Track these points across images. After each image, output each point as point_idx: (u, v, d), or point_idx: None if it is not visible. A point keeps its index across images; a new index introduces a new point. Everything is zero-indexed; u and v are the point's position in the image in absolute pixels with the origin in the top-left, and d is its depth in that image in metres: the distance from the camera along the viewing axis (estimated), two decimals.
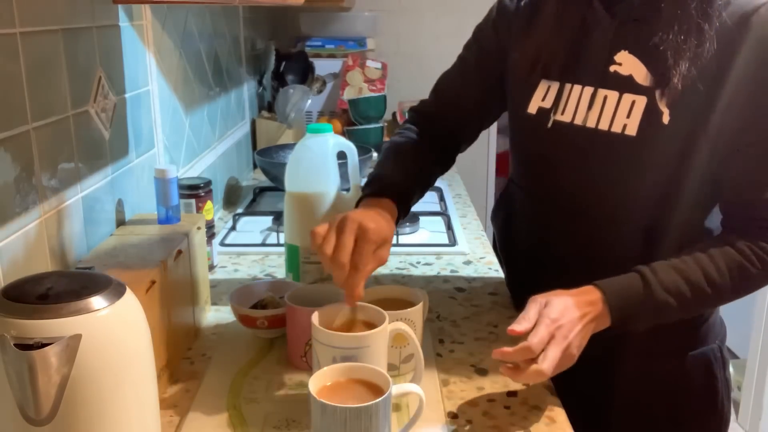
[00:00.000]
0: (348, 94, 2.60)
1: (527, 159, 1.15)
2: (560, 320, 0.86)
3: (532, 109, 1.07)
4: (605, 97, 0.99)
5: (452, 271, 1.40)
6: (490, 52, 1.16)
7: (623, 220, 1.01)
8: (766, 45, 0.89)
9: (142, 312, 0.72)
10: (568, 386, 0.98)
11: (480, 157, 3.09)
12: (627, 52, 0.98)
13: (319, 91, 2.57)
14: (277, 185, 1.81)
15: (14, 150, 0.85)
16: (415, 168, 1.13)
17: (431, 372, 1.00)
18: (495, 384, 0.98)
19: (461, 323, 1.17)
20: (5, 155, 0.83)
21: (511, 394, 0.96)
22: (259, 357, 1.04)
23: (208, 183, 1.32)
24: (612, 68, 0.99)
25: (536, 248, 1.15)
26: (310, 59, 2.57)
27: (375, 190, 1.04)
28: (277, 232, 1.56)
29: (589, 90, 1.01)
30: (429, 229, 1.64)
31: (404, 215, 1.06)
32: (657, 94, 0.94)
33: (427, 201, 1.75)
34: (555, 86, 1.05)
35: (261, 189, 1.92)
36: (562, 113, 1.03)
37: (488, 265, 1.43)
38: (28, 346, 0.62)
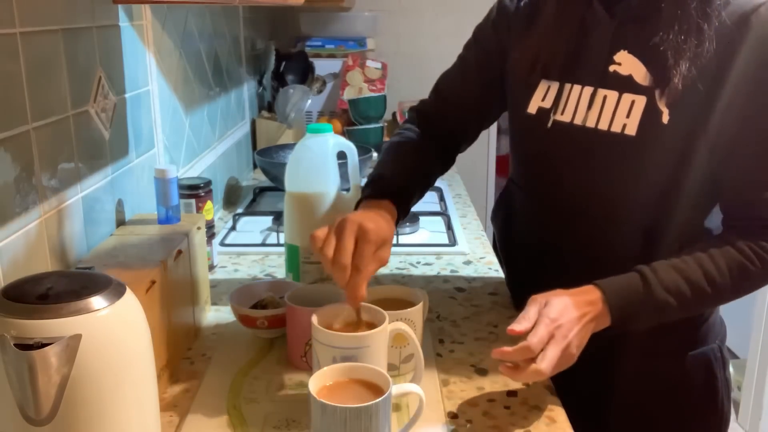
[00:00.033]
0: (348, 94, 2.61)
1: (527, 159, 1.15)
2: (559, 320, 0.86)
3: (532, 109, 1.07)
4: (605, 97, 0.99)
5: (452, 271, 1.40)
6: (490, 52, 1.16)
7: (623, 220, 1.01)
8: (765, 44, 0.89)
9: (142, 312, 0.72)
10: (568, 386, 0.98)
11: (480, 157, 3.10)
12: (626, 51, 0.98)
13: (319, 91, 2.57)
14: (277, 185, 1.81)
15: (14, 150, 0.85)
16: (415, 168, 1.13)
17: (431, 372, 1.00)
18: (495, 384, 0.98)
19: (461, 323, 1.17)
20: (5, 155, 0.83)
21: (511, 394, 0.96)
22: (259, 357, 1.04)
23: (208, 183, 1.32)
24: (611, 68, 0.99)
25: (536, 248, 1.15)
26: (310, 59, 2.57)
27: (374, 191, 1.04)
28: (277, 232, 1.56)
29: (588, 90, 1.01)
30: (429, 229, 1.64)
31: (404, 216, 1.06)
32: (656, 93, 0.94)
33: (427, 201, 1.75)
34: (555, 86, 1.05)
35: (261, 189, 1.92)
36: (562, 113, 1.04)
37: (488, 265, 1.43)
38: (28, 346, 0.62)
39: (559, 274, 0.98)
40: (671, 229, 0.99)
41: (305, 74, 2.51)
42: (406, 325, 0.90)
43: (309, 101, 2.34)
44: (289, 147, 1.93)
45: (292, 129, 2.26)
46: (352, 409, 0.74)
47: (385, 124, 2.44)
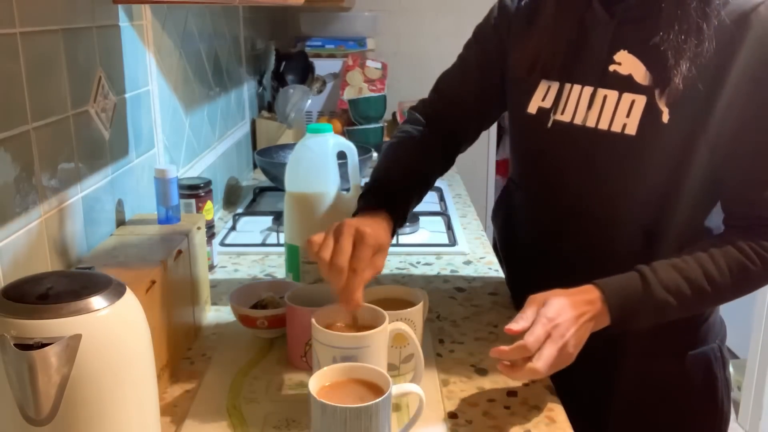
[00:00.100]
0: (348, 94, 2.61)
1: (527, 159, 1.15)
2: (557, 319, 0.86)
3: (532, 109, 1.07)
4: (605, 97, 0.99)
5: (452, 271, 1.40)
6: (490, 52, 1.16)
7: (623, 220, 1.01)
8: (765, 43, 0.89)
9: (142, 312, 0.72)
10: (568, 386, 0.98)
11: (480, 157, 3.10)
12: (626, 51, 0.98)
13: (319, 91, 2.57)
14: (277, 185, 1.81)
15: (14, 150, 0.85)
16: (414, 171, 1.12)
17: (431, 372, 1.00)
18: (495, 384, 0.98)
19: (461, 323, 1.17)
20: (5, 155, 0.83)
21: (511, 394, 0.96)
22: (259, 357, 1.04)
23: (208, 183, 1.32)
24: (611, 68, 0.99)
25: (536, 248, 1.15)
26: (310, 59, 2.57)
27: (370, 202, 1.02)
28: (277, 232, 1.56)
29: (588, 90, 1.01)
30: (429, 229, 1.64)
31: (401, 225, 1.06)
32: (657, 93, 0.94)
33: (427, 201, 1.74)
34: (555, 86, 1.05)
35: (261, 189, 1.92)
36: (562, 113, 1.04)
37: (488, 265, 1.43)
38: (28, 346, 0.62)
39: (559, 273, 0.97)
40: (671, 228, 0.99)
41: (305, 74, 2.51)
42: (406, 325, 0.90)
43: (309, 101, 2.34)
44: (289, 147, 1.93)
45: (292, 129, 2.26)
46: (352, 409, 0.74)
47: (385, 124, 2.44)
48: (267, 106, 2.48)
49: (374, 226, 0.92)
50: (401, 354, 0.98)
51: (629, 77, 0.97)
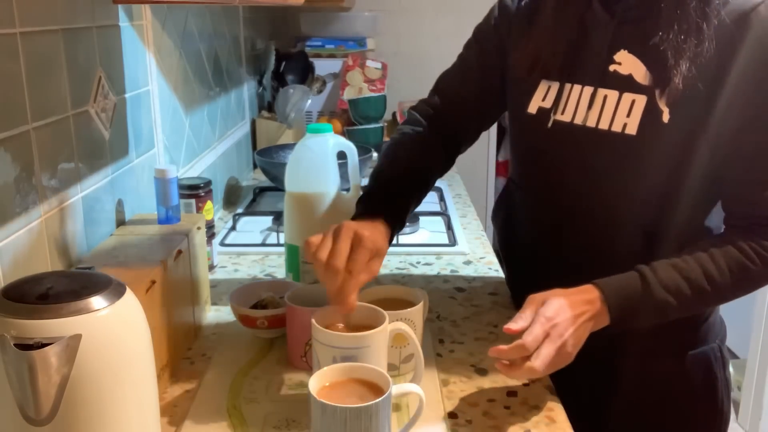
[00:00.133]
0: (348, 94, 2.61)
1: (527, 159, 1.15)
2: (555, 319, 0.86)
3: (532, 109, 1.07)
4: (605, 97, 0.99)
5: (452, 271, 1.40)
6: (490, 52, 1.16)
7: (623, 220, 1.01)
8: (765, 43, 0.89)
9: (142, 312, 0.72)
10: (568, 386, 0.98)
11: (480, 157, 3.10)
12: (626, 51, 0.98)
13: (319, 91, 2.57)
14: (277, 185, 1.81)
15: (14, 150, 0.85)
16: (413, 172, 1.11)
17: (431, 372, 1.00)
18: (495, 384, 0.98)
19: (461, 323, 1.17)
20: (5, 155, 0.83)
21: (511, 394, 0.96)
22: (259, 357, 1.04)
23: (208, 183, 1.33)
24: (611, 68, 0.99)
25: (536, 248, 1.15)
26: (310, 59, 2.57)
27: (368, 209, 1.01)
28: (277, 232, 1.56)
29: (588, 90, 1.01)
30: (429, 229, 1.64)
31: (400, 229, 1.05)
32: (657, 93, 0.94)
33: (427, 201, 1.73)
34: (555, 86, 1.05)
35: (261, 189, 1.92)
36: (562, 113, 1.04)
37: (488, 265, 1.43)
38: (28, 346, 0.62)
39: (559, 273, 0.97)
40: (672, 228, 0.99)
41: (305, 74, 2.51)
42: (406, 325, 0.90)
43: (309, 101, 2.34)
44: (289, 147, 1.93)
45: (292, 129, 2.26)
46: (352, 409, 0.74)
47: (385, 124, 2.44)
48: (267, 106, 2.48)
49: (373, 231, 0.92)
50: (401, 354, 0.98)
51: (629, 77, 0.97)
